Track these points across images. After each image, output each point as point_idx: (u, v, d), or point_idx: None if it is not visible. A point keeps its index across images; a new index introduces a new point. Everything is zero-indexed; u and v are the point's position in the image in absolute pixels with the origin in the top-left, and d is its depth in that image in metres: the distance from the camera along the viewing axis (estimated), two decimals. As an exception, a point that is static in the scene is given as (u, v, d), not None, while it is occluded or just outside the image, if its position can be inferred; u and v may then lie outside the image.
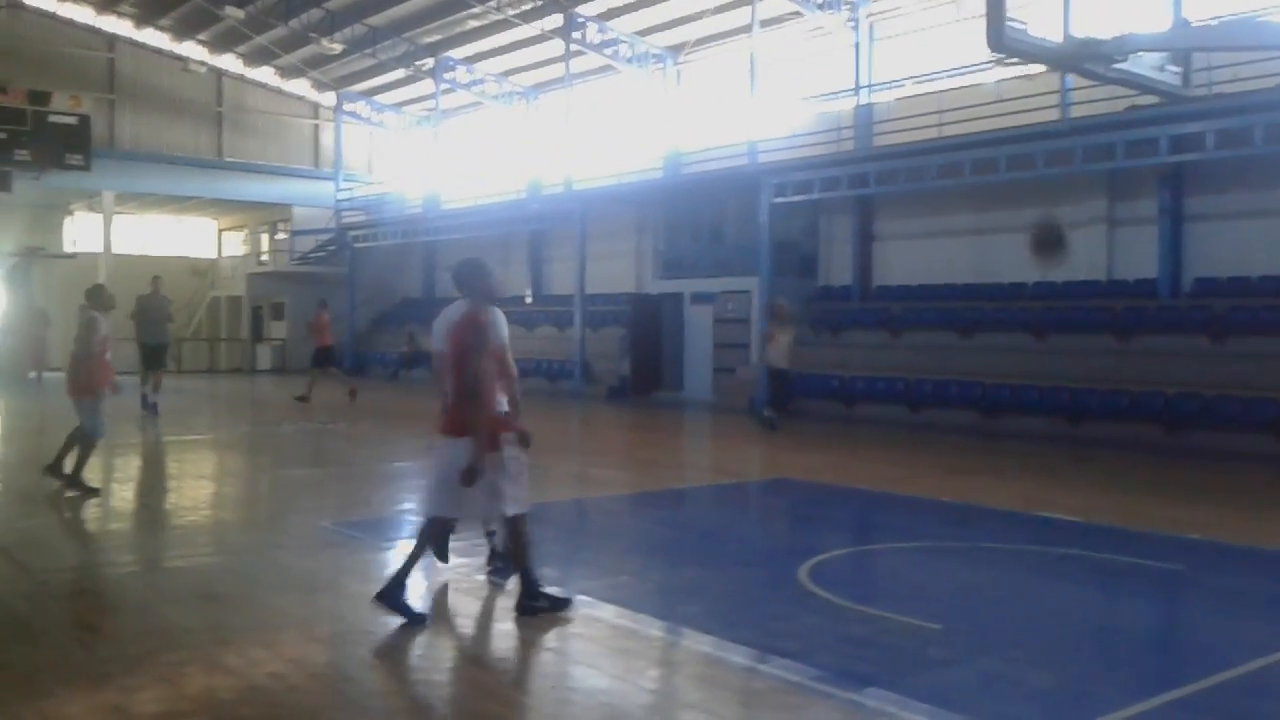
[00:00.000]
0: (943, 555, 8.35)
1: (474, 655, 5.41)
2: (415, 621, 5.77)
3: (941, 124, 18.69)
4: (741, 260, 23.25)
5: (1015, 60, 16.10)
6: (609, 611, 6.19)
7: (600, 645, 5.67)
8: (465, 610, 6.26)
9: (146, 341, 18.41)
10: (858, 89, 21.35)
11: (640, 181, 25.42)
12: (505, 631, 5.92)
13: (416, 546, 6.12)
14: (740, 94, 23.12)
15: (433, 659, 5.52)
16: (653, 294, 26.13)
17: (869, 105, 21.36)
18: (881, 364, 20.20)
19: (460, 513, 6.33)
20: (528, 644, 5.83)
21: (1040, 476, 12.75)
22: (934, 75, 19.77)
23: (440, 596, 6.79)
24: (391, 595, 5.83)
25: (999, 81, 18.69)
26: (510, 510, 6.01)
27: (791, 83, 23.78)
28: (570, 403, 23.53)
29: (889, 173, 19.14)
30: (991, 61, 17.58)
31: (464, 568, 7.34)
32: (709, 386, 23.89)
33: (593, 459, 14.59)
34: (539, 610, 6.02)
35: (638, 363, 24.96)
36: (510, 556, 6.22)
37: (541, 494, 11.52)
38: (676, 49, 26.19)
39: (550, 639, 5.91)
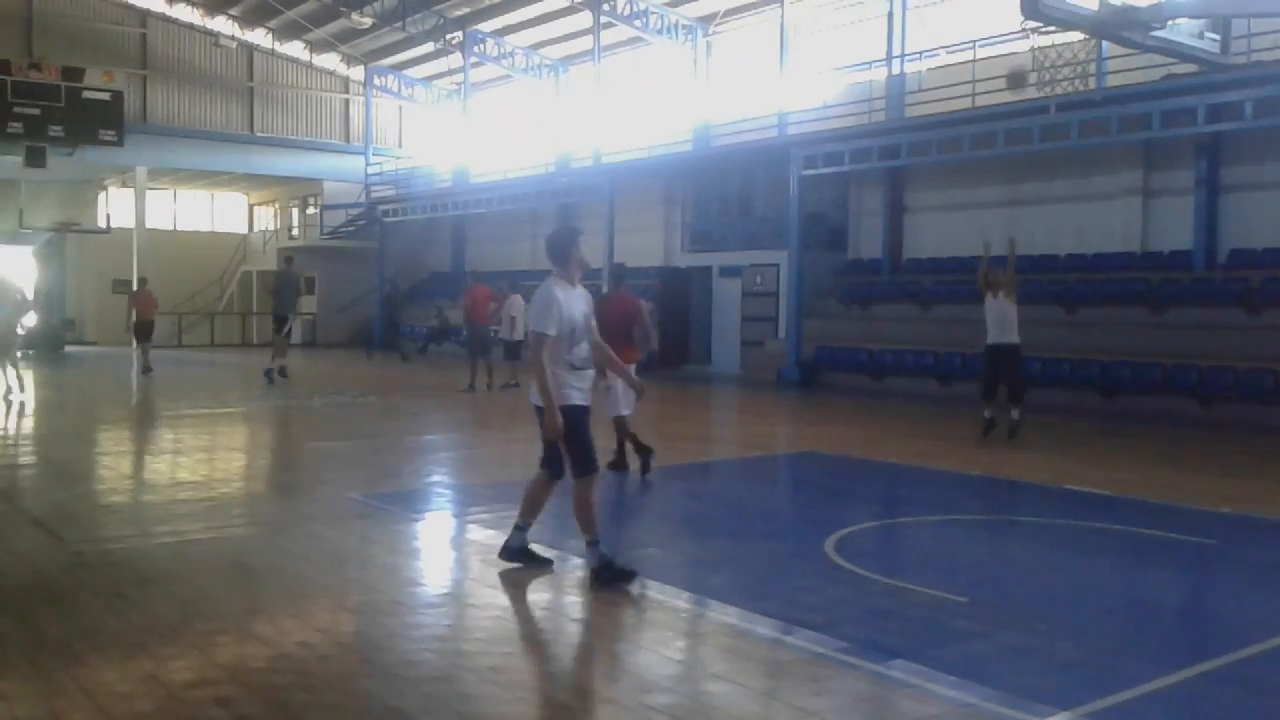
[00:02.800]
0: (970, 528, 8.31)
1: (502, 625, 5.45)
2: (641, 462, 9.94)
3: (975, 94, 18.46)
4: (770, 233, 23.16)
5: (1051, 28, 15.84)
6: (636, 583, 6.21)
7: (627, 616, 5.69)
8: (493, 581, 6.31)
9: (275, 314, 21.01)
10: (890, 59, 21.13)
11: (669, 154, 25.32)
12: (534, 602, 5.96)
13: (627, 438, 10.03)
14: (770, 65, 22.93)
15: (461, 629, 5.57)
16: (681, 267, 26.09)
17: (901, 75, 21.14)
18: (911, 337, 20.09)
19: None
20: (556, 614, 5.88)
21: (1071, 450, 12.65)
22: (968, 44, 19.52)
23: (469, 567, 6.85)
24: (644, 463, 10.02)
25: (1033, 49, 18.41)
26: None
27: (822, 53, 23.56)
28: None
29: (921, 144, 18.96)
30: (1026, 30, 17.31)
31: (494, 538, 7.39)
32: (737, 360, 23.87)
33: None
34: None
35: (665, 336, 24.95)
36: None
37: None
38: (707, 20, 26.00)
39: (578, 610, 5.96)
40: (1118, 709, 4.38)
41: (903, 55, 21.17)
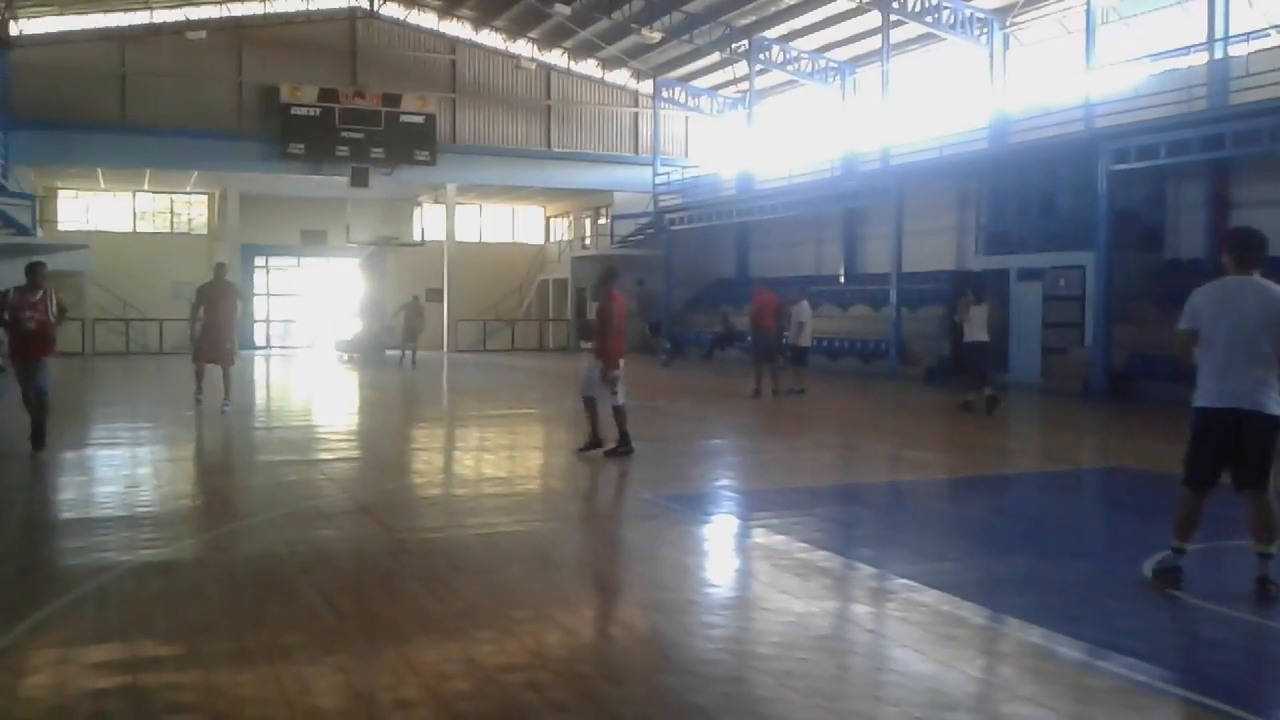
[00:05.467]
0: (1313, 556, 7.47)
1: (796, 631, 5.43)
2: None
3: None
4: (1074, 233, 21.81)
5: None
6: (931, 596, 6.02)
7: (924, 630, 5.52)
8: (784, 586, 6.30)
9: (648, 322, 31.17)
10: (1212, 42, 19.43)
11: (962, 152, 24.40)
12: (827, 610, 5.90)
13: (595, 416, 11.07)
14: (1073, 54, 21.65)
15: (754, 632, 5.59)
16: (976, 270, 25.07)
17: (1224, 60, 19.38)
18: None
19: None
20: (849, 623, 5.80)
21: None
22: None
23: (758, 571, 6.88)
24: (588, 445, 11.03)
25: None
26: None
27: (1131, 41, 22.02)
28: (885, 384, 23.08)
29: (1249, 133, 17.29)
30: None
31: (783, 544, 7.38)
32: (1037, 368, 22.64)
33: (908, 441, 14.23)
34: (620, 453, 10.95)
35: (958, 343, 24.05)
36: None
37: (854, 475, 11.41)
38: (1004, 12, 24.90)
39: (871, 621, 5.85)
40: None
41: (1225, 38, 19.40)
